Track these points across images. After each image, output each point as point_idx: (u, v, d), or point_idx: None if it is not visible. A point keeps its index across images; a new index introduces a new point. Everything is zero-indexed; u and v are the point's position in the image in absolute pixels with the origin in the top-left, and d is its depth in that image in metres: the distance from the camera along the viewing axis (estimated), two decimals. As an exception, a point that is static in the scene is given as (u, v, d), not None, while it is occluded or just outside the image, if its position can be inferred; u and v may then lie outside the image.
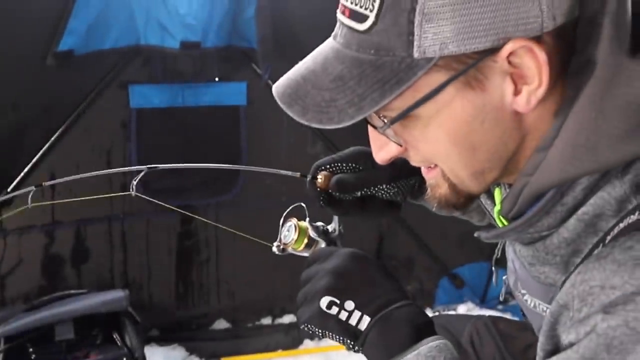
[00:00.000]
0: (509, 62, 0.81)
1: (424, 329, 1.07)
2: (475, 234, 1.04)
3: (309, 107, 0.87)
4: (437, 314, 3.35)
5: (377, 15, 0.81)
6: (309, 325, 1.13)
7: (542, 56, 0.80)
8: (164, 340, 3.19)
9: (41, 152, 2.82)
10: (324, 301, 1.10)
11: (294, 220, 1.29)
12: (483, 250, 3.41)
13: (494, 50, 0.80)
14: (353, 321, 1.08)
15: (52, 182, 2.45)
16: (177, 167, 1.59)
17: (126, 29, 2.81)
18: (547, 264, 0.95)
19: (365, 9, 0.82)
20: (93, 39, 2.73)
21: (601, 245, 0.81)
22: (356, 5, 0.83)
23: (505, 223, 0.99)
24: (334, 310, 1.09)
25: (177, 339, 3.22)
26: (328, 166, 1.27)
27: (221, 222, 3.09)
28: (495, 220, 1.09)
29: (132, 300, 2.71)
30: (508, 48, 0.79)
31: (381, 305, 1.08)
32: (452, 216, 1.58)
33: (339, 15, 0.88)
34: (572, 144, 0.82)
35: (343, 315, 1.09)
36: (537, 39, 0.80)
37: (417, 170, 1.31)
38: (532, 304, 1.07)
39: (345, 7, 0.86)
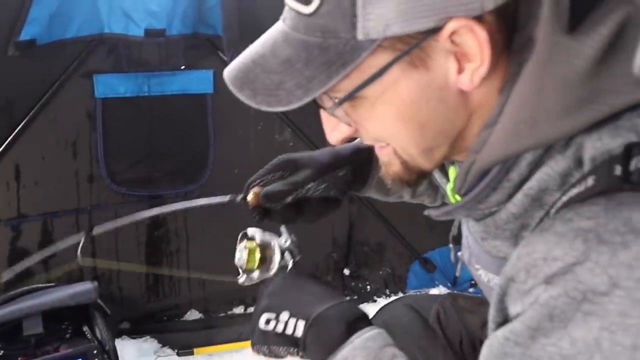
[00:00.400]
0: (452, 41, 0.82)
1: (358, 323, 1.14)
2: (425, 212, 1.06)
3: (259, 91, 0.89)
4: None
5: None
6: (257, 347, 1.22)
7: (483, 35, 0.81)
8: (135, 332, 3.17)
9: (4, 144, 2.75)
10: (262, 319, 1.20)
11: (242, 243, 1.32)
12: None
13: (436, 30, 0.81)
14: (289, 330, 1.16)
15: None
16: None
17: (89, 17, 2.76)
18: (498, 238, 0.98)
19: None
20: (55, 28, 2.67)
21: (549, 213, 0.84)
22: None
23: (459, 200, 1.01)
24: (272, 324, 1.19)
25: (149, 331, 3.19)
26: (258, 181, 1.31)
27: (189, 210, 3.10)
28: (449, 198, 1.12)
29: (101, 293, 2.66)
30: (450, 27, 0.80)
31: (313, 309, 1.15)
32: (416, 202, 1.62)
33: None
34: (515, 120, 0.84)
35: (280, 327, 1.17)
36: (479, 18, 0.81)
37: (345, 163, 1.35)
38: (486, 279, 1.10)
39: None
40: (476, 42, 0.81)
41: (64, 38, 2.72)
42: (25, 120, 2.78)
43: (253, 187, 1.30)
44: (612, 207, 0.71)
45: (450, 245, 1.28)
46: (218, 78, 3.08)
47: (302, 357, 1.18)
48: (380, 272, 3.56)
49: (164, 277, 3.25)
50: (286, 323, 1.17)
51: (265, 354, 1.23)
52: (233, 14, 2.79)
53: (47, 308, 2.48)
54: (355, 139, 1.10)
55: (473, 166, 0.91)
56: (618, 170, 0.74)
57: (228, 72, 0.93)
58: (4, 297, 2.46)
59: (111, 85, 2.93)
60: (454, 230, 1.26)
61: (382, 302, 3.45)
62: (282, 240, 1.35)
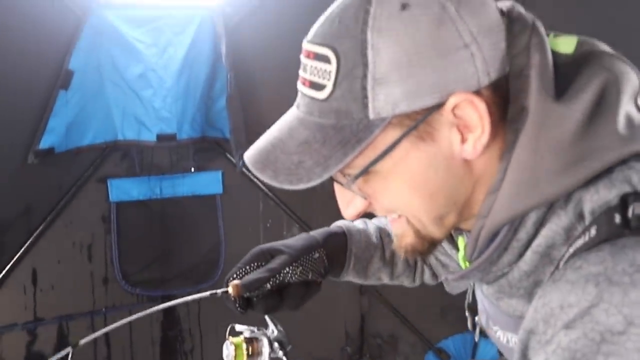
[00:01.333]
0: (454, 115, 0.90)
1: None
2: (442, 278, 1.11)
3: (280, 171, 0.94)
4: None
5: (334, 84, 0.90)
6: None
7: (481, 106, 0.89)
8: None
9: (22, 249, 2.84)
10: None
11: (229, 339, 1.35)
12: (465, 321, 3.42)
13: (440, 105, 0.89)
14: None
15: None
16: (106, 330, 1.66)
17: (104, 125, 2.93)
18: (513, 297, 1.01)
19: (323, 79, 0.91)
20: (72, 137, 2.82)
21: (555, 271, 0.87)
22: (315, 76, 0.93)
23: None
24: None
25: None
26: (235, 275, 1.34)
27: (202, 311, 3.14)
28: (461, 265, 1.16)
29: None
30: (452, 102, 0.88)
31: None
32: (430, 289, 1.65)
33: (300, 87, 0.98)
34: (517, 182, 0.90)
35: None
36: (476, 93, 0.89)
37: (319, 246, 1.41)
38: (504, 339, 1.12)
39: (304, 79, 0.95)
40: (476, 113, 0.89)
41: (80, 145, 2.87)
42: (42, 225, 2.88)
43: (232, 280, 1.34)
44: (617, 251, 0.77)
45: (467, 314, 1.31)
46: (226, 178, 3.21)
47: None
48: (395, 365, 3.55)
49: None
50: None
51: None
52: (239, 116, 2.93)
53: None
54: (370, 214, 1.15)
55: (482, 231, 0.96)
56: (617, 218, 0.80)
57: (249, 156, 1.00)
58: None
59: (125, 189, 3.05)
60: (468, 298, 1.30)
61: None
62: (269, 332, 1.38)
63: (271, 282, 1.33)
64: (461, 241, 1.15)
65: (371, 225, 1.61)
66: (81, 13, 2.68)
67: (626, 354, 0.71)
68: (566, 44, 0.98)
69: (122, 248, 3.06)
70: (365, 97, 0.89)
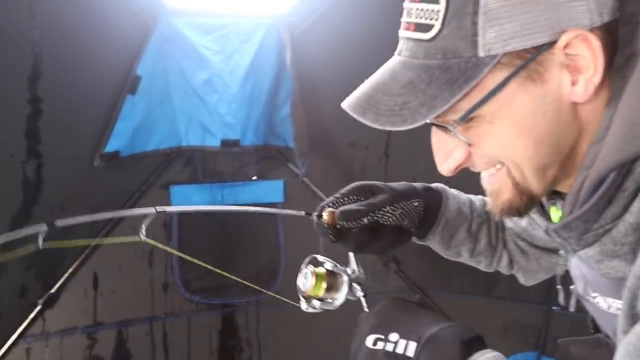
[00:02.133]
0: (566, 54, 0.87)
1: (474, 344, 1.07)
2: (543, 228, 1.06)
3: (382, 113, 0.92)
4: None
5: (442, 23, 0.88)
6: None
7: (596, 43, 0.86)
8: None
9: (86, 252, 2.87)
10: (369, 340, 1.11)
11: (309, 268, 1.26)
12: (527, 339, 3.35)
13: (551, 44, 0.86)
14: (400, 349, 1.07)
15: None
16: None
17: (169, 131, 2.96)
18: (615, 257, 0.96)
19: (431, 19, 0.90)
20: (138, 141, 2.86)
21: None
22: (421, 18, 0.91)
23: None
24: (380, 345, 1.09)
25: None
26: (331, 204, 1.28)
27: (261, 321, 3.12)
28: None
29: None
30: (564, 39, 0.86)
31: (425, 330, 1.07)
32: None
33: (403, 32, 0.95)
34: (628, 123, 0.86)
35: (390, 347, 1.08)
36: (589, 31, 0.86)
37: (419, 195, 1.34)
38: (605, 305, 1.07)
39: (409, 23, 0.94)
40: (590, 52, 0.87)
41: (145, 150, 2.90)
42: (105, 229, 2.90)
43: (327, 208, 1.26)
44: None
45: (559, 287, 1.28)
46: (288, 188, 3.20)
47: None
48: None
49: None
50: (396, 343, 1.12)
51: None
52: (302, 125, 2.92)
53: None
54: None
55: (586, 181, 0.91)
56: None
57: (347, 102, 0.98)
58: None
59: (187, 195, 3.06)
60: (560, 270, 1.25)
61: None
62: (349, 270, 1.30)
63: (369, 217, 1.27)
64: (554, 211, 1.11)
65: (464, 195, 1.55)
66: (150, 20, 2.73)
67: None
68: None
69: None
70: (475, 34, 0.87)
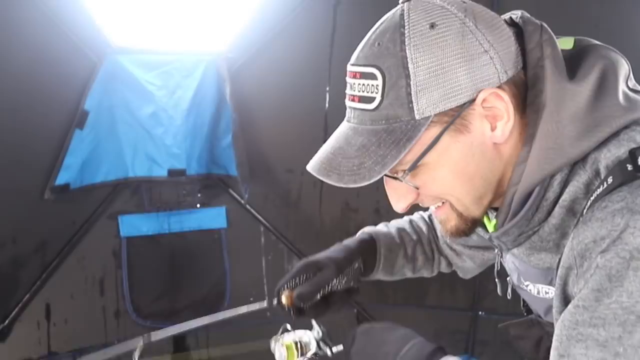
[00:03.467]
0: (484, 107, 1.11)
1: (436, 354, 1.33)
2: (486, 236, 1.30)
3: (344, 173, 1.13)
4: None
5: (382, 95, 1.10)
6: None
7: (506, 97, 1.10)
8: None
9: (37, 284, 2.92)
10: None
11: (280, 340, 1.54)
12: (457, 344, 3.60)
13: (471, 102, 1.10)
14: None
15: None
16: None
17: (115, 163, 3.07)
18: (543, 251, 1.20)
19: (372, 92, 1.12)
20: (86, 174, 2.95)
21: (580, 218, 1.06)
22: (363, 92, 1.13)
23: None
24: None
25: None
26: (285, 286, 1.51)
27: (211, 340, 3.24)
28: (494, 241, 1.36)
29: None
30: (481, 97, 1.09)
31: (392, 356, 1.36)
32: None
33: (349, 103, 1.18)
34: (545, 148, 1.10)
35: None
36: (499, 87, 1.10)
37: (357, 255, 1.61)
38: (535, 291, 1.31)
39: (353, 96, 1.16)
40: (502, 104, 1.11)
41: (93, 182, 3.00)
42: (56, 260, 2.97)
43: (284, 291, 1.50)
44: (633, 189, 0.97)
45: (496, 280, 1.48)
46: (230, 214, 3.36)
47: None
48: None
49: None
50: None
51: None
52: (243, 153, 3.10)
53: None
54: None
55: (516, 195, 1.15)
56: (629, 167, 1.01)
57: (312, 166, 1.19)
58: None
59: (135, 224, 3.17)
60: (497, 266, 1.48)
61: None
62: (314, 332, 1.56)
63: (320, 293, 1.49)
64: (487, 220, 1.34)
65: (392, 227, 1.80)
66: (96, 58, 2.85)
67: None
68: (566, 42, 1.21)
69: (132, 282, 3.17)
70: (411, 102, 1.08)
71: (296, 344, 1.53)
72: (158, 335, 1.87)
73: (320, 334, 1.56)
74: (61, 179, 2.83)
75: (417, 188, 1.20)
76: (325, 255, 1.58)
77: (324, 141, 1.21)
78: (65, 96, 2.81)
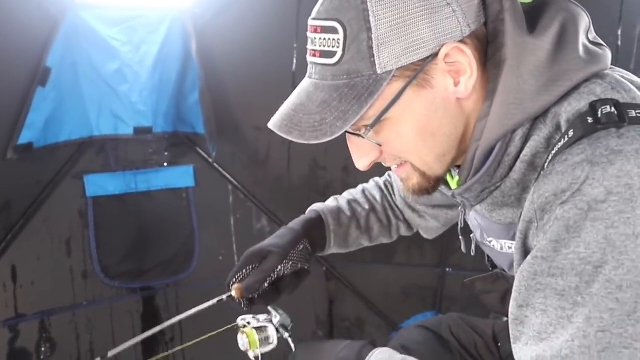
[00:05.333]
0: (446, 62, 1.12)
1: (364, 350, 1.42)
2: (449, 193, 1.32)
3: (305, 130, 1.13)
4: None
5: (343, 49, 1.10)
6: None
7: (468, 51, 1.11)
8: None
9: (2, 245, 2.86)
10: None
11: (239, 332, 1.57)
12: (425, 301, 3.66)
13: (434, 56, 1.10)
14: None
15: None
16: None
17: (79, 121, 3.00)
18: (505, 206, 1.22)
19: (333, 47, 1.12)
20: (50, 133, 2.88)
21: (541, 172, 1.08)
22: (324, 46, 1.13)
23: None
24: None
25: None
26: (234, 279, 1.56)
27: (180, 299, 3.23)
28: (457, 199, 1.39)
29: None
30: (443, 51, 1.10)
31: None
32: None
33: (310, 58, 1.18)
34: (506, 104, 1.12)
35: None
36: (462, 42, 1.12)
37: (302, 237, 1.65)
38: (498, 246, 1.34)
39: (314, 50, 1.16)
40: (465, 58, 1.12)
41: (57, 141, 2.93)
42: (21, 221, 2.91)
43: (233, 284, 1.55)
44: (593, 142, 0.98)
45: (460, 237, 1.53)
46: (198, 173, 3.33)
47: None
48: (362, 346, 3.70)
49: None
50: None
51: None
52: (210, 111, 3.06)
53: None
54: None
55: (478, 150, 1.17)
56: (589, 120, 1.02)
57: (273, 123, 1.18)
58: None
59: (100, 184, 3.12)
60: (460, 224, 1.51)
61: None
62: (273, 318, 1.59)
63: (268, 281, 1.55)
64: (450, 179, 1.37)
65: (342, 200, 1.83)
66: (58, 13, 2.76)
67: (607, 217, 0.92)
68: None
69: (100, 242, 3.12)
70: (372, 56, 1.08)
71: (257, 330, 1.56)
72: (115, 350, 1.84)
73: (278, 318, 1.59)
74: (24, 137, 2.75)
75: (380, 145, 1.20)
76: (268, 243, 1.62)
77: (293, 98, 1.19)
78: (26, 53, 2.72)
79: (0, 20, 2.55)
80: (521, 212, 1.10)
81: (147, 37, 2.98)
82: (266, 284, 1.55)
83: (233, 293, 1.53)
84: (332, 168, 3.45)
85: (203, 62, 3.01)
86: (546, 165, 1.06)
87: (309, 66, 1.19)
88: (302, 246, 1.64)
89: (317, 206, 1.81)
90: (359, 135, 1.18)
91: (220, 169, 3.33)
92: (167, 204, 3.30)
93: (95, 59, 2.93)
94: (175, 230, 3.31)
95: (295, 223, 1.71)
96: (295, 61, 3.19)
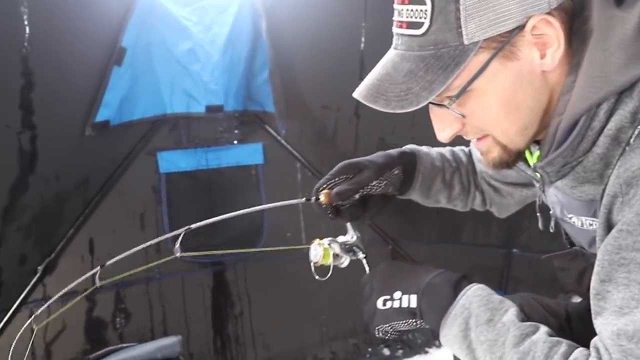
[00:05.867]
0: (533, 35, 1.11)
1: (462, 282, 1.34)
2: (532, 165, 1.30)
3: (391, 99, 1.15)
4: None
5: (430, 20, 1.11)
6: (379, 327, 1.41)
7: (556, 23, 1.11)
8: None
9: (80, 219, 2.99)
10: (379, 302, 1.39)
11: (315, 242, 1.55)
12: (491, 281, 3.61)
13: (520, 28, 1.10)
14: (405, 304, 1.36)
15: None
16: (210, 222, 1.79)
17: (153, 100, 3.09)
18: (586, 182, 1.19)
19: (420, 18, 1.12)
20: (125, 111, 2.98)
21: (626, 147, 1.06)
22: (411, 17, 1.14)
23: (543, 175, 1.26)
24: (389, 304, 1.38)
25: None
26: (325, 185, 1.52)
27: (249, 274, 3.30)
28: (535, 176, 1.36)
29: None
30: (531, 23, 1.10)
31: (420, 282, 1.36)
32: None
33: (397, 30, 1.18)
34: (591, 77, 1.09)
35: (397, 304, 1.37)
36: (549, 14, 1.10)
37: (397, 163, 1.60)
38: (579, 223, 1.32)
39: (401, 22, 1.17)
40: (552, 30, 1.11)
41: (132, 119, 3.03)
42: (97, 196, 3.03)
43: (323, 189, 1.51)
44: None
45: (538, 214, 1.50)
46: (267, 150, 3.38)
47: (421, 325, 1.36)
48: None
49: (230, 340, 3.41)
50: (401, 299, 1.36)
51: (387, 332, 1.41)
52: (280, 90, 3.10)
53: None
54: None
55: (561, 124, 1.15)
56: None
57: (359, 92, 1.19)
58: (96, 355, 2.63)
59: (173, 161, 3.21)
60: (539, 200, 1.49)
61: (433, 352, 3.60)
62: (348, 237, 1.57)
63: (360, 193, 1.51)
64: (528, 154, 1.36)
65: (434, 150, 1.80)
66: (133, -6, 2.83)
67: None
68: None
69: (172, 217, 3.22)
70: (459, 26, 1.09)
71: (331, 246, 1.54)
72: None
73: (355, 238, 1.57)
74: (101, 115, 2.86)
75: (464, 117, 1.20)
76: (365, 159, 1.58)
77: (360, 77, 1.21)
78: (103, 33, 2.81)
79: (78, 1, 2.64)
80: (603, 189, 1.09)
81: (217, 18, 3.04)
82: (357, 196, 1.51)
83: (322, 197, 1.48)
84: (399, 146, 3.43)
85: (272, 42, 3.05)
86: (632, 139, 1.05)
87: (395, 37, 1.20)
88: (397, 171, 1.61)
89: (411, 146, 1.78)
90: (443, 106, 1.19)
91: (288, 146, 3.37)
92: (236, 180, 3.36)
93: (169, 39, 3.01)
94: (245, 206, 3.33)
95: (392, 151, 1.68)
96: (363, 40, 3.19)
